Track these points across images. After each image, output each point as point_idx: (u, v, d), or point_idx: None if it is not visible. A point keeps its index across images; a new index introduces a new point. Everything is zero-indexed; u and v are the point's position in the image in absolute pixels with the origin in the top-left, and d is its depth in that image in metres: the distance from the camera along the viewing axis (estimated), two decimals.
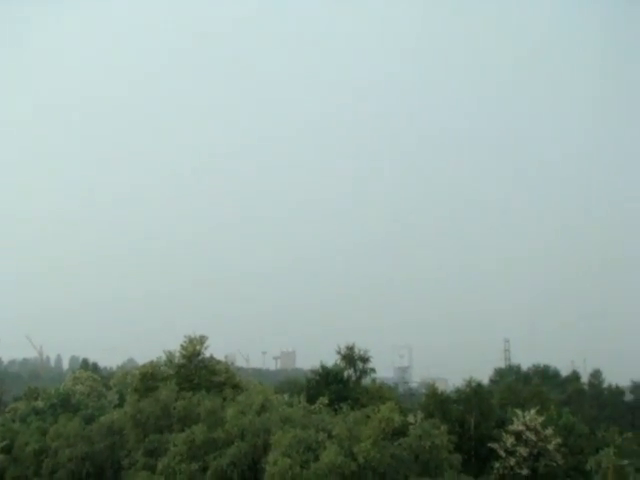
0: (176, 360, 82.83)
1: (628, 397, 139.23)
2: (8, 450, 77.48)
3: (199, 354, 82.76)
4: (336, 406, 70.76)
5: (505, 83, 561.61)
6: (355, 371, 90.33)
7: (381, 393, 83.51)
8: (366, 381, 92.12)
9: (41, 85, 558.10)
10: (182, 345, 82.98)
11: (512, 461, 63.45)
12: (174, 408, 67.53)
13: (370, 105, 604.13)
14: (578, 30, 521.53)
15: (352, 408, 66.69)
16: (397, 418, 55.03)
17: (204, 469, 56.22)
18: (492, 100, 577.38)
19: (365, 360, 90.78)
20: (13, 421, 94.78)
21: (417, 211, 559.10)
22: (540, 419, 65.57)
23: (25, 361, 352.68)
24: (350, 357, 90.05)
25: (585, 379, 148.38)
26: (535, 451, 63.84)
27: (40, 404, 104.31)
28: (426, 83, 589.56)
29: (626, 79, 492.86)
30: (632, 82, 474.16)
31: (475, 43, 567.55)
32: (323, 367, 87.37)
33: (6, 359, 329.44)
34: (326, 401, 76.32)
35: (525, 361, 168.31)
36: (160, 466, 57.58)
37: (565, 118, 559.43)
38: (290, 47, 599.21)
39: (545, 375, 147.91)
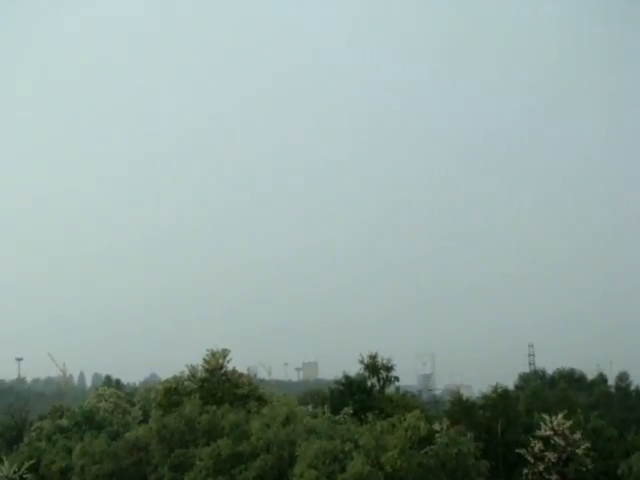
0: (199, 374, 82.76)
1: None
2: (35, 469, 77.60)
3: (222, 367, 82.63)
4: (362, 416, 70.32)
5: (509, 83, 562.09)
6: (378, 380, 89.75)
7: (405, 402, 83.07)
8: (390, 390, 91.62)
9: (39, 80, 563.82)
10: (204, 359, 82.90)
11: (541, 467, 62.82)
12: (199, 422, 67.43)
13: (372, 106, 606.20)
14: (582, 28, 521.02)
15: (377, 417, 66.34)
16: (423, 426, 54.67)
17: None
18: (498, 100, 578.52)
19: (388, 369, 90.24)
20: (39, 440, 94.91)
21: (435, 217, 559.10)
22: (568, 423, 64.85)
23: (49, 379, 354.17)
24: (373, 366, 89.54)
25: (612, 382, 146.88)
26: (564, 456, 63.15)
27: (65, 422, 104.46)
28: (428, 84, 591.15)
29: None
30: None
31: (478, 42, 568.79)
32: (346, 377, 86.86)
33: (30, 378, 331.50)
34: (351, 411, 75.96)
35: (550, 365, 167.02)
36: None
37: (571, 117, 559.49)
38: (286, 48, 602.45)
39: (571, 379, 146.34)
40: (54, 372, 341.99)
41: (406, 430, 53.42)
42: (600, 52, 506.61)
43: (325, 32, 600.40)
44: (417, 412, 58.06)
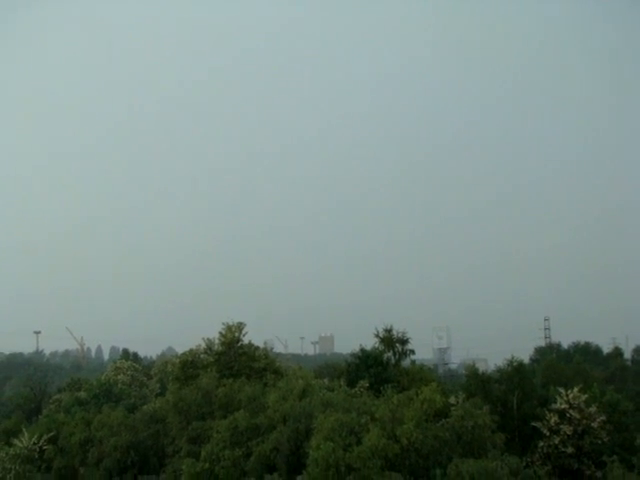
0: (215, 347, 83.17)
1: None
2: (54, 441, 78.34)
3: (238, 341, 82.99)
4: (380, 388, 70.49)
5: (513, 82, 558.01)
6: (394, 353, 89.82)
7: (422, 375, 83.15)
8: (405, 363, 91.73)
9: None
10: (221, 332, 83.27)
11: (556, 440, 62.80)
12: (215, 395, 67.82)
13: (377, 107, 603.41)
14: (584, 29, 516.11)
15: (394, 390, 66.50)
16: (439, 399, 54.72)
17: (247, 455, 56.41)
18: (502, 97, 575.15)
19: (404, 342, 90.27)
20: (57, 412, 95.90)
21: (454, 194, 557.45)
22: (583, 397, 64.79)
23: (67, 352, 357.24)
24: (389, 339, 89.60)
25: (628, 356, 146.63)
26: (579, 429, 63.11)
27: (83, 394, 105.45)
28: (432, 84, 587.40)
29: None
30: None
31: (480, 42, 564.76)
32: (362, 350, 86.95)
33: (48, 351, 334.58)
34: (367, 384, 76.20)
35: (565, 339, 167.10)
36: (204, 453, 57.82)
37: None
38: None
39: (586, 352, 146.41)
40: (72, 345, 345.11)
41: (422, 403, 53.47)
42: (596, 49, 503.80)
43: (324, 32, 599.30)
44: (433, 385, 58.09)
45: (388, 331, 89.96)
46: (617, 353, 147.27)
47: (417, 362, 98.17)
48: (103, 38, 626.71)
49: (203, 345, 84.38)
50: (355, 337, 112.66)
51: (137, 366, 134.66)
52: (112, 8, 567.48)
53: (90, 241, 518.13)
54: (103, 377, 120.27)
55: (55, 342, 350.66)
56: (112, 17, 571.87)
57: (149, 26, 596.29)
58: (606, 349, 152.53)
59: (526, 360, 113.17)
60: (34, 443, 78.16)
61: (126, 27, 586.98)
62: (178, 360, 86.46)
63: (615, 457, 58.27)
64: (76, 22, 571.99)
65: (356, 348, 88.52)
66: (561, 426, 63.26)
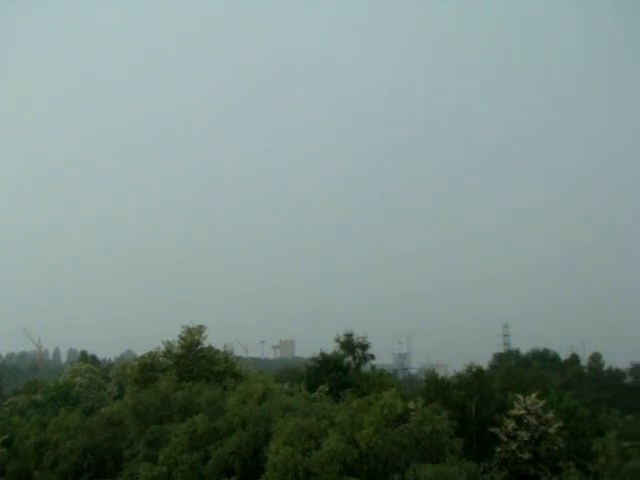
0: (175, 350, 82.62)
1: (628, 379, 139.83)
2: (8, 444, 77.14)
3: (198, 344, 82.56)
4: (341, 393, 70.52)
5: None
6: (354, 358, 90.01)
7: (381, 380, 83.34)
8: (365, 368, 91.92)
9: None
10: (180, 335, 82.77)
11: (514, 445, 63.34)
12: (174, 399, 67.28)
13: (375, 106, 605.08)
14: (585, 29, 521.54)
15: (353, 395, 66.55)
16: (399, 404, 54.85)
17: (206, 459, 55.95)
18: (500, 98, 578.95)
19: (364, 347, 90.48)
20: (13, 415, 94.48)
21: (415, 197, 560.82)
22: (541, 403, 65.47)
23: (23, 354, 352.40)
24: (349, 344, 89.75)
25: (585, 362, 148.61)
26: (536, 435, 63.72)
27: (39, 397, 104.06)
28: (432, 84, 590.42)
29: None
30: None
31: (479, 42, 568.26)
32: (322, 355, 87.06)
33: (4, 352, 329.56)
34: (326, 389, 76.20)
35: (524, 346, 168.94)
36: (161, 456, 57.23)
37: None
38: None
39: (545, 359, 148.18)
40: (28, 347, 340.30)
41: (382, 408, 53.55)
42: (600, 51, 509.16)
43: (323, 32, 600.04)
44: (393, 390, 58.25)
45: (349, 336, 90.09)
46: (574, 360, 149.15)
47: (377, 367, 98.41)
48: (104, 39, 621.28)
49: (162, 348, 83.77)
50: (316, 342, 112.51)
51: (95, 369, 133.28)
52: (112, 9, 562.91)
53: (49, 242, 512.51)
54: (60, 379, 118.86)
55: (12, 344, 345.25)
56: (112, 18, 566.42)
57: (149, 27, 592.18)
58: (564, 356, 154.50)
59: (485, 366, 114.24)
60: None
61: (126, 28, 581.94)
62: (137, 363, 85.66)
63: (571, 463, 58.88)
64: (77, 23, 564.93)
65: (316, 352, 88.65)
66: (518, 432, 63.80)
